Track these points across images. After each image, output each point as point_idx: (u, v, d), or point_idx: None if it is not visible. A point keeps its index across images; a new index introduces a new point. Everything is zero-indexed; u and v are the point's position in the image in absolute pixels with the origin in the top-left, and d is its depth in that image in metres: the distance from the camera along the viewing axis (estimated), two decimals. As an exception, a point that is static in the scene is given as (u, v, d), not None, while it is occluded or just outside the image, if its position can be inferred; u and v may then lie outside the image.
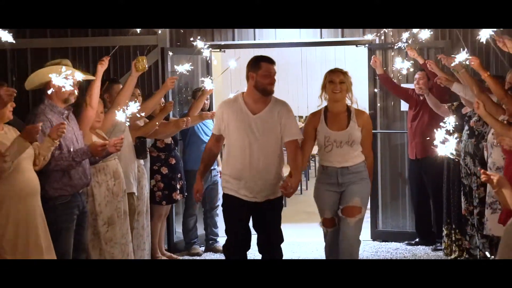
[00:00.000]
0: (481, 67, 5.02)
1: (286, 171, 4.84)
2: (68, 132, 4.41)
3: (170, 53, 6.67)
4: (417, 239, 6.73)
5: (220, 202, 5.61)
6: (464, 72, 5.26)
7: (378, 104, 7.00)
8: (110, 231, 4.87)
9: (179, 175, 6.30)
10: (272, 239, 4.67)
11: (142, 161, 5.77)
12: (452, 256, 6.14)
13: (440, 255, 6.33)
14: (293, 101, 14.15)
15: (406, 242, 6.78)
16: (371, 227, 6.98)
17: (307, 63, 13.81)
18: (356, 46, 7.10)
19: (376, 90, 6.94)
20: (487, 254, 5.09)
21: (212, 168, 6.40)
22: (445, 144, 4.04)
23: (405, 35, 6.28)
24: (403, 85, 6.79)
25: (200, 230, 6.78)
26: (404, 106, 6.85)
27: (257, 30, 7.01)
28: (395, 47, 6.46)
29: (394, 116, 7.03)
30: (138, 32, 5.50)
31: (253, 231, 4.74)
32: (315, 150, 5.35)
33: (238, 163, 4.57)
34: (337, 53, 12.94)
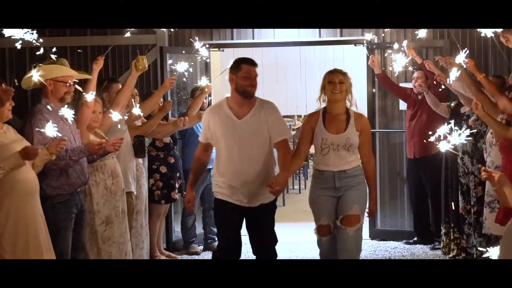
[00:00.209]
0: (476, 68, 5.04)
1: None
2: (65, 131, 4.42)
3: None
4: (415, 238, 6.74)
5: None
6: (462, 72, 5.27)
7: (377, 104, 7.00)
8: (108, 230, 4.87)
9: (178, 174, 6.30)
10: (266, 242, 4.59)
11: (140, 160, 5.77)
12: (450, 255, 6.15)
13: (438, 254, 6.34)
14: (292, 100, 14.17)
15: (405, 241, 6.79)
16: (370, 226, 6.98)
17: (306, 62, 13.81)
18: (355, 45, 7.10)
19: (374, 89, 6.94)
20: (485, 250, 5.08)
21: (210, 167, 6.40)
22: (447, 139, 3.99)
23: (404, 34, 6.29)
24: (401, 85, 6.81)
25: (199, 229, 6.79)
26: (403, 105, 6.86)
27: (256, 29, 7.01)
28: (394, 47, 6.47)
29: (392, 116, 7.04)
30: (130, 31, 5.48)
31: (245, 232, 4.64)
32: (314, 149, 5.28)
33: (229, 170, 4.49)
34: (335, 52, 12.94)
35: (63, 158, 4.33)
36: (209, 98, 6.81)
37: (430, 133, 4.13)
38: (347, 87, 4.72)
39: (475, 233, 5.79)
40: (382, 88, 6.88)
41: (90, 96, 4.64)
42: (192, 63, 5.96)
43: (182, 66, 5.98)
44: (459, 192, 5.94)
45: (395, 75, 6.73)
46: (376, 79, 6.84)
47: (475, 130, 5.62)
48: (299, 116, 12.44)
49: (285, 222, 7.87)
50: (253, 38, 7.08)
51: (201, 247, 6.73)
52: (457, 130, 4.00)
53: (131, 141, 5.53)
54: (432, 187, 6.49)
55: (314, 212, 4.81)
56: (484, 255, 3.58)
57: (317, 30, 7.02)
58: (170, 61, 6.63)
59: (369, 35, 6.78)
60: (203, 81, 6.20)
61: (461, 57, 4.88)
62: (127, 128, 5.39)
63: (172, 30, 6.91)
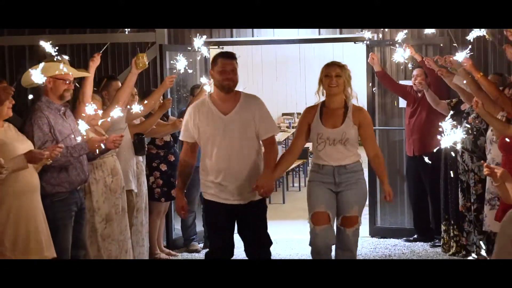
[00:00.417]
0: (474, 68, 5.04)
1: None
2: (65, 128, 4.42)
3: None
4: (415, 236, 6.74)
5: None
6: (462, 71, 5.27)
7: (376, 101, 7.00)
8: (107, 228, 4.88)
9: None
10: (259, 242, 4.44)
11: (141, 158, 5.78)
12: (450, 252, 6.15)
13: (438, 251, 6.35)
14: (291, 97, 14.20)
15: (405, 238, 6.79)
16: (370, 223, 6.98)
17: (305, 59, 13.83)
18: (355, 42, 7.11)
19: (374, 87, 6.94)
20: (483, 253, 5.08)
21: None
22: (450, 135, 3.98)
23: (404, 32, 6.29)
24: (401, 82, 6.81)
25: (199, 227, 6.79)
26: (402, 103, 6.86)
27: (255, 27, 7.02)
28: (394, 46, 6.47)
29: (392, 113, 7.04)
30: (128, 31, 5.47)
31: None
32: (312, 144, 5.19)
33: (215, 167, 4.35)
34: (335, 49, 12.96)
35: (63, 155, 4.32)
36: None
37: (438, 128, 4.07)
38: (344, 80, 4.58)
39: (475, 230, 5.79)
40: (382, 85, 6.88)
41: (87, 93, 4.65)
42: (189, 62, 5.93)
43: (181, 64, 5.97)
44: (459, 189, 5.94)
45: (396, 72, 6.74)
46: (375, 77, 6.84)
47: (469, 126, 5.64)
48: (299, 114, 12.43)
49: (285, 220, 7.90)
50: (252, 36, 7.08)
51: (201, 245, 6.73)
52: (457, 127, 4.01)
53: (131, 139, 5.53)
54: (431, 184, 6.49)
55: (311, 200, 4.60)
56: (483, 253, 3.59)
57: (317, 27, 7.02)
58: (174, 61, 6.63)
59: (368, 33, 6.78)
60: (203, 79, 6.19)
61: (461, 54, 4.88)
62: (127, 126, 5.40)
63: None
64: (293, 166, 9.08)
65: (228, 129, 4.33)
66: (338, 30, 7.01)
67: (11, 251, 3.99)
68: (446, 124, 3.98)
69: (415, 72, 6.53)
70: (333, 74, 4.57)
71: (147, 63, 5.15)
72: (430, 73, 6.30)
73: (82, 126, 4.32)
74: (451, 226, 6.15)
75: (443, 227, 6.27)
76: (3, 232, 3.99)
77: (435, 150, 4.87)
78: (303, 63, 13.94)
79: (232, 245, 4.48)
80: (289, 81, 14.09)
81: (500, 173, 3.68)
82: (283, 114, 13.77)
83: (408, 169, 6.80)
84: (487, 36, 5.23)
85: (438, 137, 4.00)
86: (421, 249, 6.49)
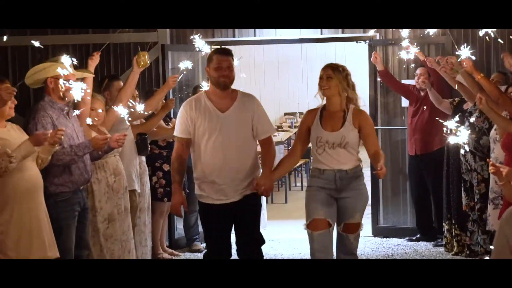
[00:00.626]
0: (474, 69, 5.03)
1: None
2: (68, 128, 4.43)
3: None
4: (418, 235, 6.73)
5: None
6: (463, 72, 5.26)
7: (379, 101, 7.00)
8: (110, 228, 4.89)
9: (180, 172, 6.30)
10: (251, 239, 4.40)
11: (143, 158, 5.78)
12: (453, 252, 6.15)
13: (441, 250, 6.34)
14: (293, 97, 14.20)
15: (407, 238, 6.78)
16: (372, 223, 6.98)
17: (307, 59, 13.82)
18: (357, 42, 7.11)
19: (376, 86, 6.94)
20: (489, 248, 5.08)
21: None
22: (457, 133, 3.97)
23: (406, 31, 6.28)
24: (403, 81, 6.80)
25: (201, 227, 6.78)
26: (405, 102, 6.85)
27: (257, 27, 7.01)
28: (397, 45, 6.47)
29: (394, 112, 7.03)
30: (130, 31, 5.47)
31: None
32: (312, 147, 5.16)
33: (210, 166, 4.31)
34: (337, 49, 12.97)
35: (68, 154, 4.34)
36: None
37: (441, 127, 4.07)
38: (338, 82, 4.43)
39: (479, 230, 5.79)
40: (384, 85, 6.87)
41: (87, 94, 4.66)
42: (192, 62, 5.93)
43: (184, 64, 5.97)
44: (462, 189, 5.94)
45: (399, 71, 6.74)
46: (378, 76, 6.84)
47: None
48: (301, 113, 12.44)
49: (287, 220, 7.89)
50: (254, 35, 7.07)
51: (204, 245, 6.73)
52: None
53: (134, 139, 5.53)
54: (433, 184, 6.48)
55: (310, 207, 4.48)
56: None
57: (319, 27, 7.02)
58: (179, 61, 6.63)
59: (371, 32, 6.77)
60: (203, 84, 6.18)
61: (463, 53, 4.88)
62: (130, 126, 5.40)
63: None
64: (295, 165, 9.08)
65: (224, 126, 4.31)
66: (340, 29, 7.01)
67: (14, 251, 4.00)
68: (451, 123, 3.98)
69: (418, 71, 6.52)
70: (325, 76, 4.45)
71: (148, 61, 5.14)
72: (433, 72, 6.30)
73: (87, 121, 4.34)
74: (453, 225, 6.15)
75: (445, 227, 6.27)
76: (6, 232, 4.00)
77: (439, 148, 4.85)
78: (305, 63, 13.93)
79: (229, 246, 4.47)
80: (291, 80, 14.07)
81: (505, 172, 3.68)
82: (285, 114, 13.78)
83: (410, 168, 6.79)
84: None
85: (444, 135, 4.00)
86: (424, 249, 6.48)
